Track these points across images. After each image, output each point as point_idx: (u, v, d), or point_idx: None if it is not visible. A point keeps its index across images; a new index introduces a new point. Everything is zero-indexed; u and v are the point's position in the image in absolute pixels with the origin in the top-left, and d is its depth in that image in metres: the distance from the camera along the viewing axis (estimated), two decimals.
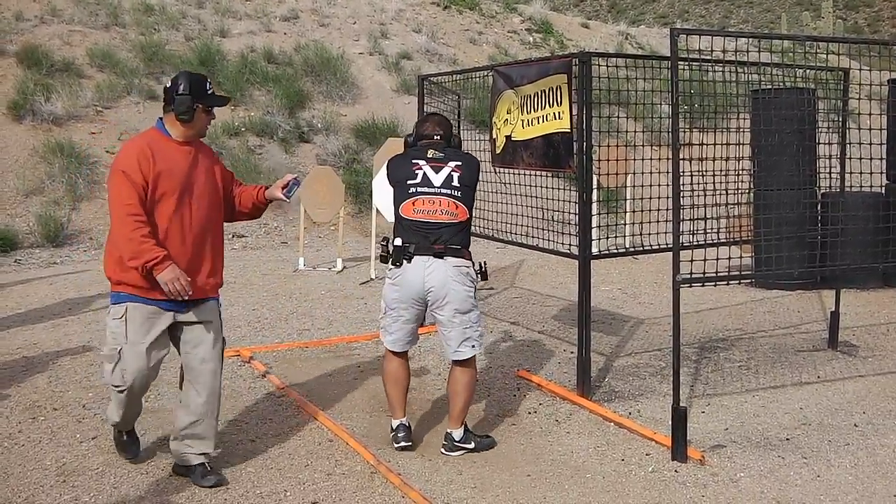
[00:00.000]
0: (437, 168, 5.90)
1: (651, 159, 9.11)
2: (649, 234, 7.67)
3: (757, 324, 9.67)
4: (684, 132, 7.79)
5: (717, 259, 6.51)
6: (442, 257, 5.71)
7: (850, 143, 7.81)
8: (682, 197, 6.05)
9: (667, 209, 5.91)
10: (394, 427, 6.07)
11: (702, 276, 6.10)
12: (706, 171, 6.87)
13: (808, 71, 9.94)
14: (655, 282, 12.02)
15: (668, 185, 6.37)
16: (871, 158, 7.63)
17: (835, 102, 8.88)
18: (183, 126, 5.33)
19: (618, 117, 11.51)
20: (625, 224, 13.71)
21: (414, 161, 5.97)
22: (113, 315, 5.24)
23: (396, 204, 5.94)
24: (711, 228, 7.17)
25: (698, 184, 6.86)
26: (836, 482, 5.56)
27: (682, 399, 6.16)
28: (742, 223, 9.16)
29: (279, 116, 18.30)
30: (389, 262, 5.86)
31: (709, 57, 7.45)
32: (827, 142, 8.41)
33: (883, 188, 11.43)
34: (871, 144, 7.52)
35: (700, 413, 6.77)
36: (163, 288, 5.05)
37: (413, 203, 5.84)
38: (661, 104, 12.42)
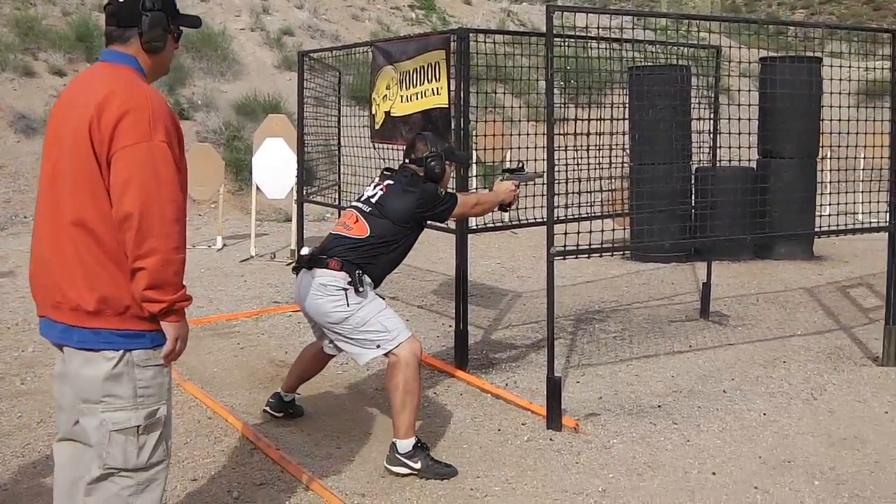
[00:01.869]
0: (377, 185, 5.65)
1: (531, 135, 9.22)
2: (526, 208, 7.76)
3: (632, 295, 9.89)
4: (565, 108, 7.89)
5: (591, 232, 6.59)
6: (310, 269, 5.41)
7: (723, 119, 8.00)
8: (559, 171, 6.16)
9: (542, 183, 6.00)
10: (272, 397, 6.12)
11: (575, 248, 6.21)
12: (584, 146, 6.98)
13: (683, 48, 10.16)
14: (534, 256, 12.16)
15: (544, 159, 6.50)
16: (740, 133, 7.81)
17: (709, 79, 9.09)
18: (151, 59, 3.63)
19: (496, 93, 11.64)
20: None
21: (377, 178, 5.80)
22: (145, 362, 3.49)
23: None
24: (588, 202, 7.30)
25: (573, 159, 6.99)
26: (705, 446, 5.73)
27: (557, 369, 6.28)
28: (619, 197, 9.33)
29: None
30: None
31: (584, 34, 7.59)
32: (701, 117, 8.62)
33: (755, 162, 11.77)
34: (740, 120, 7.72)
35: (575, 383, 6.91)
36: (169, 344, 3.46)
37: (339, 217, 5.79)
38: (540, 81, 12.55)
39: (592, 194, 7.31)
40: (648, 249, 11.47)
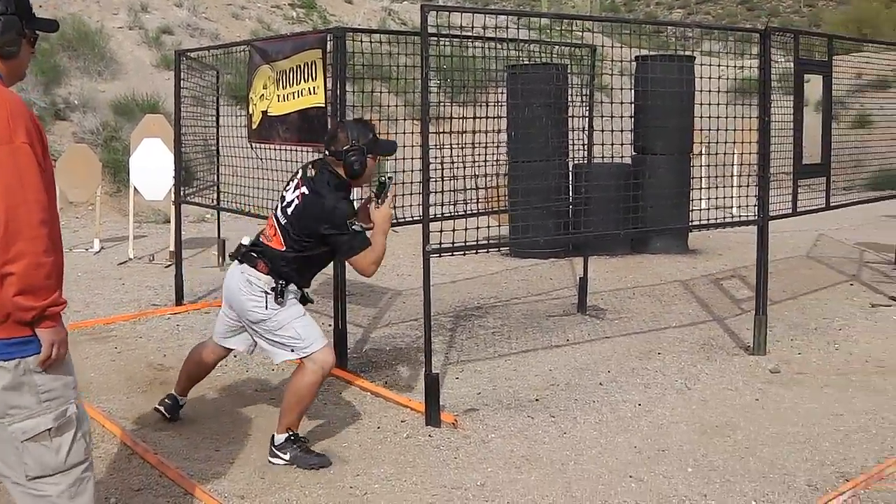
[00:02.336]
0: (296, 188, 5.41)
1: (411, 133, 9.24)
2: (404, 206, 7.78)
3: (511, 291, 10.01)
4: (442, 107, 7.97)
5: (466, 229, 6.66)
6: (241, 262, 5.40)
7: (599, 117, 8.14)
8: (437, 169, 6.20)
9: (419, 182, 6.03)
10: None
11: (451, 245, 6.27)
12: (462, 144, 7.04)
13: (562, 47, 10.31)
14: (414, 253, 12.13)
15: (436, 158, 6.54)
16: (615, 131, 7.95)
17: (586, 78, 9.25)
18: (5, 64, 3.47)
19: (378, 92, 11.63)
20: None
21: (298, 171, 5.59)
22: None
23: None
24: (466, 200, 7.36)
25: (448, 157, 7.04)
26: (582, 437, 5.85)
27: (436, 366, 6.35)
28: (497, 194, 9.43)
29: (34, 94, 17.57)
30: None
31: (459, 33, 7.67)
32: (578, 115, 8.76)
33: (630, 159, 11.99)
34: (614, 118, 7.86)
35: (454, 379, 6.98)
36: (45, 350, 3.30)
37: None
38: (420, 79, 12.57)
39: (469, 192, 7.37)
40: (527, 245, 11.59)
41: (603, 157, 8.26)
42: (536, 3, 49.38)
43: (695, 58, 11.55)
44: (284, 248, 5.32)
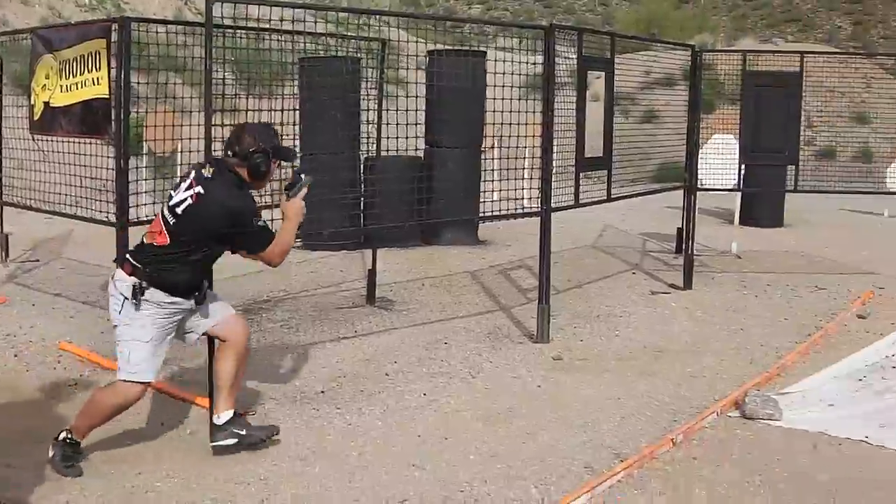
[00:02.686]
0: (190, 186, 5.18)
1: (203, 126, 9.09)
2: None
3: (301, 284, 9.96)
4: (238, 99, 7.86)
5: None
6: (118, 266, 5.26)
7: (392, 110, 8.17)
8: None
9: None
10: None
11: None
12: None
13: (356, 41, 10.31)
14: None
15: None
16: (406, 124, 8.02)
17: (377, 71, 9.28)
18: None
19: (173, 83, 11.38)
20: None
21: (190, 170, 5.35)
22: None
23: None
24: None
25: None
26: (367, 429, 5.89)
27: None
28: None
29: None
30: None
31: (248, 25, 7.59)
32: (371, 108, 8.80)
33: (422, 152, 12.10)
34: (408, 111, 7.92)
35: None
36: None
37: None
38: (216, 71, 12.38)
39: None
40: (317, 238, 11.52)
41: (398, 150, 8.33)
42: None
43: (486, 53, 11.76)
44: (168, 244, 5.14)
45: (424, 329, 8.28)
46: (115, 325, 5.20)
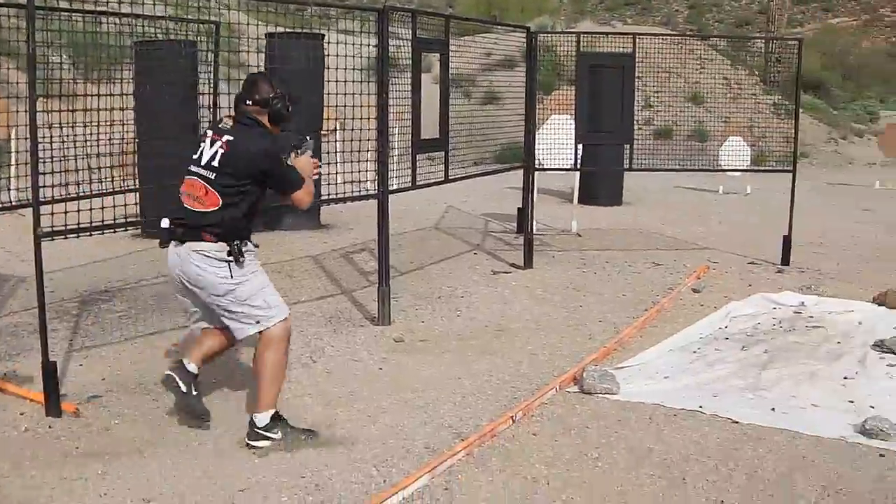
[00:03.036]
0: (214, 141, 5.33)
1: (42, 111, 8.83)
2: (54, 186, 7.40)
3: (141, 273, 9.75)
4: (73, 83, 7.65)
5: (92, 209, 6.50)
6: (183, 242, 5.32)
7: (227, 94, 8.08)
8: (63, 148, 5.97)
9: (28, 162, 5.78)
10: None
11: (64, 228, 6.08)
12: (89, 121, 6.84)
13: (192, 24, 10.14)
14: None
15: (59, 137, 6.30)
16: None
17: (227, 55, 9.16)
18: None
19: (7, 69, 11.05)
20: (9, 178, 13.16)
21: (207, 131, 5.51)
22: None
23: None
24: (91, 179, 7.16)
25: (66, 136, 6.82)
26: (213, 417, 5.79)
27: (59, 353, 6.19)
28: (128, 173, 9.18)
29: None
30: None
31: (70, 7, 7.40)
32: (207, 92, 8.68)
33: None
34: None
35: (78, 366, 6.76)
36: None
37: (183, 184, 5.44)
38: (52, 56, 12.05)
39: (96, 171, 7.17)
40: (153, 226, 11.25)
41: None
42: None
43: (324, 35, 11.71)
44: (221, 203, 5.27)
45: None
46: (232, 290, 5.33)
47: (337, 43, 8.61)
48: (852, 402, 6.31)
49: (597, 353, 7.27)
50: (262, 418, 5.40)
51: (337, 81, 8.04)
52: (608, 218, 14.52)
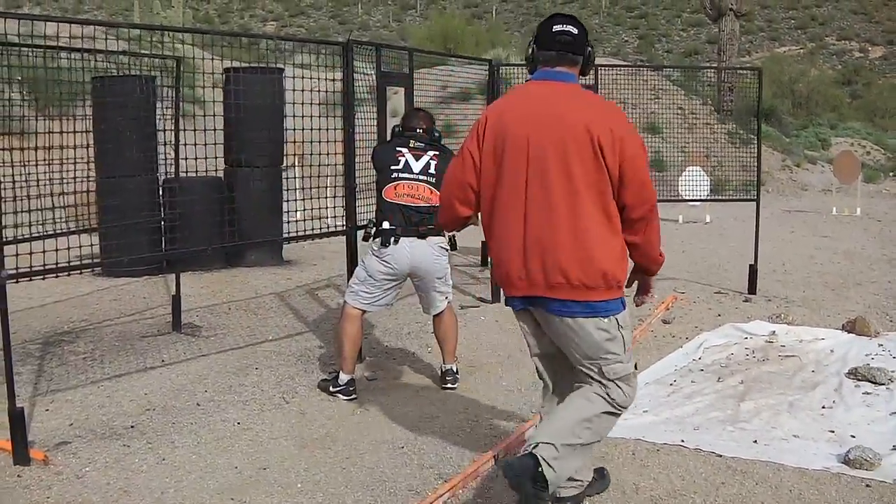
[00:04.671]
0: (417, 156, 6.81)
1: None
2: None
3: (103, 313, 9.58)
4: (28, 120, 7.52)
5: (58, 250, 6.36)
6: (424, 238, 6.71)
7: (191, 130, 7.96)
8: (23, 187, 5.82)
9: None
10: (344, 382, 6.88)
11: (29, 270, 5.91)
12: (49, 159, 6.70)
13: (151, 59, 10.02)
14: None
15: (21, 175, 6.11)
16: (205, 144, 7.82)
17: (183, 90, 9.03)
18: None
19: None
20: None
21: (398, 149, 6.86)
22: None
23: (379, 187, 6.80)
24: (53, 219, 7.00)
25: (40, 173, 6.67)
26: (181, 462, 5.68)
27: (23, 399, 5.99)
28: (88, 211, 9.01)
29: None
30: (376, 242, 6.72)
31: (32, 43, 7.27)
32: (169, 128, 8.54)
33: (222, 172, 11.84)
34: (206, 131, 7.74)
35: (45, 411, 6.57)
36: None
37: (395, 187, 6.74)
38: (10, 93, 11.88)
39: (57, 210, 7.01)
40: (117, 264, 11.12)
41: (196, 171, 8.12)
42: (129, 14, 48.06)
43: (283, 70, 11.62)
44: None
45: (234, 354, 8.07)
46: (446, 273, 7.04)
47: (300, 77, 8.53)
48: (832, 431, 6.27)
49: None
50: (455, 366, 7.30)
51: (294, 117, 7.97)
52: None
